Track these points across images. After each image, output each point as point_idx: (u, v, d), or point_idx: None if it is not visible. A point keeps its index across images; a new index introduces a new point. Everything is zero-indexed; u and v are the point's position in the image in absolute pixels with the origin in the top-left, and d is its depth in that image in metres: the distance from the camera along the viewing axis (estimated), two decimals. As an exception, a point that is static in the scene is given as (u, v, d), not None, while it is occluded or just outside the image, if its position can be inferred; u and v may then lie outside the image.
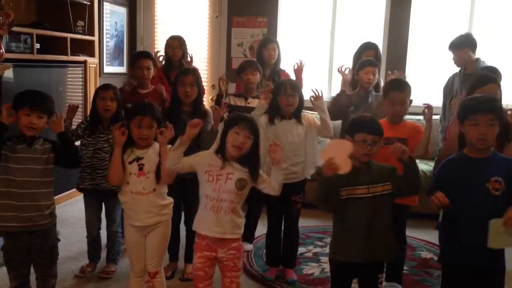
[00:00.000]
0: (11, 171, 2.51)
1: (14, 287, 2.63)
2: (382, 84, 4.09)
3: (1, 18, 3.66)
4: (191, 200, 2.93)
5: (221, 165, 2.44)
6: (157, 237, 2.70)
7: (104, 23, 5.74)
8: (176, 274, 3.42)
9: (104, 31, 5.75)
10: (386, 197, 2.39)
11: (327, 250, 3.90)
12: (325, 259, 3.73)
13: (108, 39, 5.88)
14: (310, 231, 4.35)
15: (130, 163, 2.64)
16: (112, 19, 5.94)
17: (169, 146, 2.72)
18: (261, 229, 3.85)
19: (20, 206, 2.51)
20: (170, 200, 2.75)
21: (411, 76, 5.68)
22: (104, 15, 5.73)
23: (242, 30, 6.01)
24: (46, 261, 2.66)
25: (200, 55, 6.09)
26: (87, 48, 5.17)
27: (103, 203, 3.43)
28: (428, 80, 5.65)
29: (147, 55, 3.87)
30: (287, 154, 3.21)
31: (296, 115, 3.25)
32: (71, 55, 4.87)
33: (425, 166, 4.79)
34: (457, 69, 4.47)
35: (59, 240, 2.77)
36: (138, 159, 2.63)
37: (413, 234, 4.28)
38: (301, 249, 3.75)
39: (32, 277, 2.71)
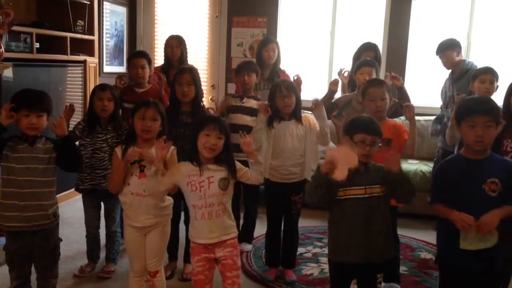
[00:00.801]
0: (13, 170, 2.50)
1: (15, 287, 2.63)
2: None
3: (1, 17, 3.66)
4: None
5: (199, 172, 2.44)
6: (157, 237, 2.70)
7: (104, 22, 5.74)
8: (175, 274, 3.42)
9: (104, 31, 5.75)
10: (383, 198, 2.39)
11: (326, 250, 3.86)
12: (324, 259, 3.73)
13: (108, 39, 5.88)
14: (310, 232, 4.35)
15: (132, 163, 2.63)
16: (112, 18, 5.94)
17: (172, 147, 2.72)
18: (260, 229, 3.85)
19: (23, 205, 2.51)
20: (170, 200, 2.75)
21: (411, 76, 5.70)
22: (104, 14, 5.73)
23: (242, 30, 6.01)
24: (48, 262, 2.66)
25: (200, 55, 6.10)
26: (87, 47, 5.16)
27: (102, 203, 3.42)
28: (428, 80, 5.65)
29: (142, 54, 3.88)
30: (287, 154, 3.22)
31: (295, 115, 3.24)
32: (70, 54, 4.87)
33: (424, 167, 4.80)
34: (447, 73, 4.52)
35: (61, 240, 2.76)
36: (139, 160, 2.62)
37: (412, 235, 4.28)
38: (300, 250, 3.75)
39: (33, 276, 2.71)
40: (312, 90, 5.73)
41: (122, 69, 6.16)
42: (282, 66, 4.47)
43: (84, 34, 5.10)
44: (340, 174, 2.25)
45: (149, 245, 2.70)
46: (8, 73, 3.99)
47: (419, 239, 4.25)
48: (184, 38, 4.33)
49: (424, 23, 5.65)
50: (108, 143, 3.23)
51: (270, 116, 3.25)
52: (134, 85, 3.83)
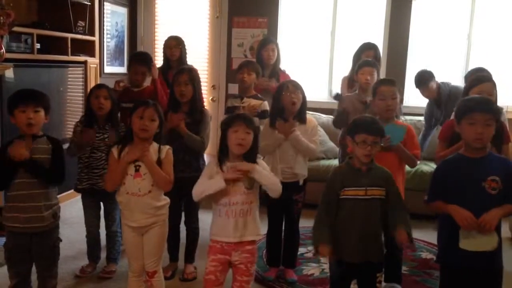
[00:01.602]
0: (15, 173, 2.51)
1: (14, 285, 2.63)
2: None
3: (1, 18, 3.67)
4: (190, 200, 2.93)
5: (226, 169, 2.44)
6: (153, 237, 2.69)
7: (105, 23, 5.74)
8: (176, 274, 3.42)
9: (105, 31, 5.76)
10: (382, 200, 2.40)
11: (327, 250, 3.90)
12: (325, 259, 3.73)
13: (109, 39, 5.88)
14: (311, 232, 4.32)
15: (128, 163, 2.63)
16: (113, 19, 5.95)
17: (168, 147, 2.73)
18: (262, 229, 3.84)
19: (22, 207, 2.51)
20: (166, 200, 2.74)
21: (411, 76, 5.69)
22: (105, 15, 5.74)
23: (243, 31, 6.02)
24: (47, 261, 2.66)
25: (200, 55, 6.11)
26: (87, 48, 5.17)
27: (101, 203, 3.43)
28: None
29: (143, 61, 3.83)
30: (289, 155, 3.21)
31: (300, 116, 3.22)
32: (71, 55, 4.88)
33: (425, 167, 4.80)
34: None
35: (61, 240, 2.76)
36: (135, 160, 2.61)
37: (413, 235, 4.25)
38: (301, 250, 3.74)
39: (33, 276, 2.71)
40: (313, 90, 5.79)
41: (122, 69, 6.17)
42: (283, 66, 4.48)
43: (85, 34, 5.10)
44: None
45: (147, 245, 2.70)
46: (9, 73, 3.99)
47: (420, 239, 4.25)
48: (185, 38, 4.34)
49: (425, 23, 5.66)
50: (106, 143, 3.24)
51: (273, 116, 3.25)
52: (130, 86, 3.84)
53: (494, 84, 3.17)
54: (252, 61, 3.99)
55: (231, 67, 5.94)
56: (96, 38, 5.25)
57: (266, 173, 2.46)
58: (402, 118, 5.10)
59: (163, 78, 4.21)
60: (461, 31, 5.58)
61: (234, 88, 5.71)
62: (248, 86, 3.73)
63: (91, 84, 5.05)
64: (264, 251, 3.69)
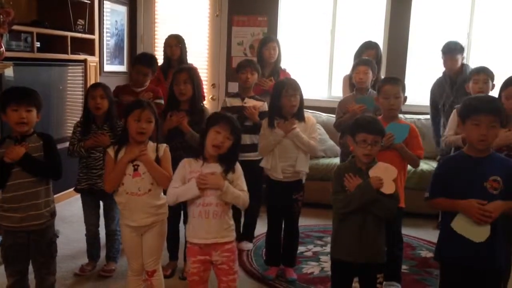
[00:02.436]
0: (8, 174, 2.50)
1: (11, 284, 2.63)
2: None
3: (1, 16, 3.66)
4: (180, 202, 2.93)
5: (201, 168, 2.44)
6: (153, 236, 2.69)
7: (105, 21, 5.73)
8: (175, 273, 3.42)
9: (104, 30, 5.75)
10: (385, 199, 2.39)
11: (327, 249, 3.91)
12: (325, 258, 3.74)
13: (109, 38, 5.88)
14: (310, 230, 4.35)
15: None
16: (113, 17, 5.94)
17: (165, 145, 2.73)
18: (261, 228, 3.85)
19: (18, 207, 2.51)
20: (165, 199, 2.71)
21: (411, 75, 5.70)
22: (105, 13, 5.73)
23: (243, 29, 6.01)
24: (44, 258, 2.65)
25: (200, 54, 6.10)
26: (87, 46, 5.16)
27: (100, 202, 3.43)
28: (428, 79, 5.64)
29: (148, 63, 3.84)
30: (288, 153, 3.21)
31: (298, 115, 3.23)
32: (71, 53, 4.87)
33: (425, 166, 4.79)
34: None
35: (58, 236, 2.76)
36: (132, 159, 2.61)
37: (413, 233, 4.28)
38: (301, 248, 3.75)
39: (31, 275, 2.70)
40: (313, 89, 5.79)
41: (122, 68, 6.17)
42: (283, 64, 4.47)
43: (85, 33, 5.10)
44: (389, 188, 2.36)
45: (146, 244, 2.69)
46: (9, 72, 3.99)
47: (420, 237, 4.25)
48: (185, 37, 4.34)
49: (425, 22, 5.65)
50: (103, 134, 3.23)
51: (272, 116, 3.25)
52: (131, 86, 3.84)
53: (490, 75, 3.21)
54: (252, 60, 3.98)
55: (231, 66, 5.93)
56: (96, 37, 5.24)
57: (232, 191, 2.42)
58: (402, 116, 5.13)
59: (163, 77, 4.22)
60: (461, 30, 5.58)
61: (234, 87, 5.71)
62: (250, 86, 3.73)
63: (91, 82, 5.04)
64: (264, 250, 3.69)
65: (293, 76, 4.06)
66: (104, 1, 5.68)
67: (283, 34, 5.94)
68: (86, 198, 3.40)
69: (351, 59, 4.31)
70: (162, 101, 3.72)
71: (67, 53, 4.82)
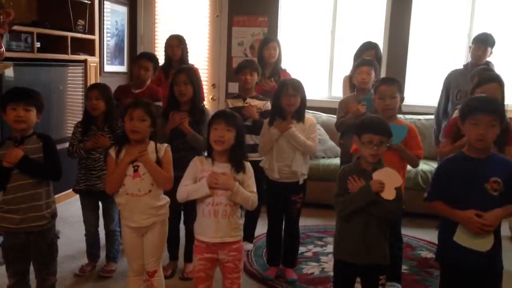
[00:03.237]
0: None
1: (12, 284, 2.63)
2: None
3: (1, 17, 3.66)
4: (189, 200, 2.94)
5: (211, 168, 2.45)
6: (154, 237, 2.68)
7: (105, 22, 5.74)
8: (176, 273, 3.42)
9: (105, 30, 5.75)
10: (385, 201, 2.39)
11: (327, 249, 3.91)
12: (325, 258, 3.74)
13: (109, 38, 5.88)
14: (310, 231, 4.35)
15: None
16: (113, 18, 5.94)
17: (166, 145, 2.72)
18: (261, 228, 3.85)
19: (18, 208, 2.51)
20: (166, 199, 2.73)
21: (411, 75, 5.70)
22: (105, 14, 5.73)
23: (243, 29, 6.01)
24: (45, 259, 2.65)
25: (200, 54, 6.11)
26: (87, 47, 5.17)
27: (99, 202, 3.43)
28: (428, 79, 5.66)
29: (149, 57, 3.89)
30: (286, 154, 3.21)
31: (298, 115, 3.23)
32: (71, 54, 4.87)
33: (425, 166, 4.79)
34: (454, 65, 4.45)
35: (58, 237, 2.76)
36: (133, 160, 2.60)
37: (413, 233, 4.28)
38: (301, 249, 3.74)
39: (32, 275, 2.71)
40: (313, 89, 5.78)
41: (122, 68, 6.18)
42: (283, 65, 4.47)
43: (85, 33, 5.10)
44: (389, 194, 2.34)
45: (147, 245, 2.69)
46: (9, 72, 3.99)
47: (420, 238, 4.25)
48: (185, 37, 4.34)
49: (425, 22, 5.65)
50: (103, 135, 3.23)
51: (273, 115, 3.25)
52: (131, 86, 3.84)
53: (501, 85, 3.17)
54: (252, 60, 3.98)
55: (231, 66, 5.93)
56: (96, 37, 5.24)
57: (242, 193, 2.43)
58: (402, 117, 5.13)
59: (164, 77, 4.22)
60: (461, 30, 5.58)
61: (234, 87, 5.72)
62: (251, 87, 3.73)
63: (91, 83, 5.04)
64: (264, 250, 3.69)
65: (293, 77, 4.06)
66: (104, 2, 5.68)
67: (283, 34, 5.94)
68: (85, 199, 3.39)
69: (351, 59, 4.31)
70: (161, 103, 3.72)
71: (67, 54, 4.82)
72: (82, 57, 5.05)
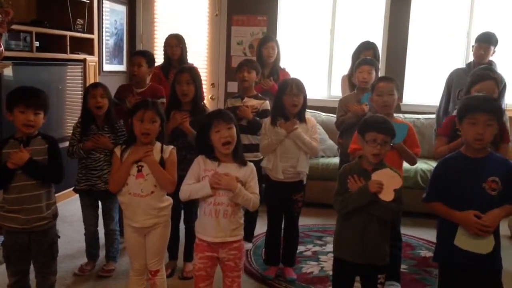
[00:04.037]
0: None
1: (13, 283, 2.63)
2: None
3: (0, 16, 3.65)
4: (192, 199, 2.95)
5: (216, 167, 2.44)
6: (156, 238, 2.68)
7: (104, 21, 5.73)
8: (175, 273, 3.42)
9: (104, 29, 5.74)
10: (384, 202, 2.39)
11: (326, 249, 3.91)
12: (324, 257, 3.74)
13: (108, 37, 5.87)
14: (310, 230, 4.35)
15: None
16: (112, 17, 5.93)
17: (171, 147, 2.72)
18: (261, 227, 3.85)
19: (21, 209, 2.51)
20: (169, 201, 2.72)
21: (410, 74, 5.70)
22: (104, 13, 5.72)
23: (242, 29, 6.01)
24: (46, 258, 2.65)
25: (199, 53, 6.10)
26: (86, 46, 5.16)
27: (99, 202, 3.43)
28: (427, 79, 5.66)
29: (141, 53, 3.93)
30: (288, 154, 3.21)
31: (300, 115, 3.22)
32: (70, 53, 4.87)
33: (424, 166, 4.80)
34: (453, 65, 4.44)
35: (59, 237, 2.75)
36: (137, 160, 2.60)
37: (412, 233, 4.28)
38: (300, 248, 3.75)
39: (32, 274, 2.71)
40: (312, 89, 5.78)
41: (122, 67, 6.17)
42: (282, 64, 4.47)
43: (84, 32, 5.10)
44: (387, 195, 2.33)
45: (149, 245, 2.69)
46: (8, 71, 3.98)
47: (419, 237, 4.26)
48: (184, 36, 4.34)
49: (424, 21, 5.65)
50: (104, 136, 3.23)
51: (274, 114, 3.24)
52: (133, 85, 3.84)
53: (496, 82, 3.17)
54: (251, 59, 3.98)
55: (230, 65, 5.93)
56: (95, 36, 5.24)
57: (244, 194, 2.42)
58: (401, 116, 5.13)
59: (164, 77, 4.22)
60: (460, 29, 5.58)
61: (233, 86, 5.72)
62: (249, 85, 3.73)
63: (90, 82, 5.04)
64: (264, 250, 3.69)
65: (292, 76, 4.06)
66: (104, 1, 5.68)
67: (282, 33, 5.94)
68: (85, 198, 3.39)
69: (350, 58, 4.31)
70: (164, 100, 3.72)
71: (66, 53, 4.81)
72: (81, 56, 5.05)
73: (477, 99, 2.39)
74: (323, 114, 5.57)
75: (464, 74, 4.23)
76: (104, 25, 5.73)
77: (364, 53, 4.11)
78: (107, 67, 5.84)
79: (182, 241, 3.45)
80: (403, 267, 3.45)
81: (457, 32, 5.60)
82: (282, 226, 3.42)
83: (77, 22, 5.04)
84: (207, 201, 2.44)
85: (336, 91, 5.51)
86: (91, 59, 5.20)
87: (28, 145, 2.51)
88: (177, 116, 3.19)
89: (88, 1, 5.08)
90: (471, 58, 5.31)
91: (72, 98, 4.96)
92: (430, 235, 4.19)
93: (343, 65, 4.60)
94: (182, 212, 3.40)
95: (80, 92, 5.00)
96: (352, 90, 3.98)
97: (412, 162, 3.05)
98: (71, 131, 3.35)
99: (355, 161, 2.51)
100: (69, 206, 4.50)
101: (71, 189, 3.48)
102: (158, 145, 2.66)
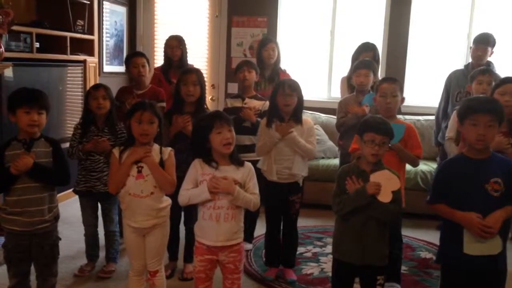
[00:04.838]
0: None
1: (13, 285, 2.62)
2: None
3: (1, 17, 3.66)
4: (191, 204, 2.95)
5: (213, 171, 2.43)
6: (156, 238, 2.68)
7: (104, 22, 5.73)
8: (175, 274, 3.42)
9: (104, 30, 5.74)
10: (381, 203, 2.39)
11: (326, 250, 3.90)
12: (324, 259, 3.74)
13: (108, 38, 5.87)
14: (310, 231, 4.35)
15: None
16: (112, 18, 5.94)
17: (170, 149, 2.72)
18: (261, 229, 3.84)
19: (22, 211, 2.50)
20: (168, 201, 2.72)
21: (410, 76, 5.70)
22: (104, 14, 5.73)
23: (242, 30, 6.01)
24: (47, 260, 2.65)
25: (200, 54, 6.10)
26: (86, 47, 5.16)
27: (99, 203, 3.42)
28: (427, 80, 5.66)
29: (140, 54, 3.94)
30: (285, 156, 3.20)
31: (295, 117, 3.22)
32: (70, 54, 4.87)
33: (424, 167, 4.80)
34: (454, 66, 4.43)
35: (60, 239, 2.75)
36: (137, 161, 2.60)
37: (412, 234, 4.28)
38: (300, 249, 3.75)
39: (32, 276, 2.70)
40: (312, 90, 5.79)
41: (122, 68, 6.12)
42: (282, 65, 4.47)
43: (84, 33, 5.10)
44: (385, 196, 2.33)
45: (149, 246, 2.69)
46: (8, 73, 3.99)
47: (420, 238, 4.25)
48: (184, 38, 4.34)
49: (424, 22, 5.65)
50: (104, 140, 3.22)
51: (270, 116, 3.24)
52: (133, 87, 3.84)
53: (494, 77, 3.18)
54: (249, 60, 3.99)
55: (230, 67, 5.93)
56: (95, 37, 5.24)
57: (243, 196, 2.41)
58: (402, 117, 5.13)
59: (164, 78, 4.22)
60: (461, 30, 5.58)
61: (233, 87, 5.72)
62: (249, 85, 3.73)
63: (90, 83, 5.04)
64: (263, 251, 3.68)
65: (293, 77, 4.06)
66: (104, 2, 5.68)
67: (282, 35, 5.95)
68: (84, 199, 3.39)
69: (350, 60, 4.31)
70: (164, 104, 3.72)
71: (67, 54, 4.81)
72: (81, 57, 5.05)
73: (478, 100, 2.39)
74: (323, 115, 5.57)
75: (463, 76, 4.24)
76: (104, 26, 5.73)
77: (364, 55, 4.11)
78: (107, 68, 5.84)
79: (182, 242, 3.45)
80: (403, 268, 3.45)
81: (458, 33, 5.59)
82: (281, 227, 3.42)
83: (77, 23, 5.04)
84: (207, 205, 2.43)
85: (336, 93, 5.50)
86: (91, 60, 5.20)
87: (32, 147, 2.50)
88: (179, 121, 3.19)
89: (89, 2, 5.09)
90: (471, 60, 5.32)
91: (72, 99, 4.96)
92: (431, 236, 4.19)
93: (343, 67, 4.60)
94: (182, 213, 3.40)
95: (81, 93, 5.00)
96: (351, 92, 3.98)
97: (414, 164, 3.05)
98: (72, 132, 3.35)
99: (353, 162, 2.51)
100: (69, 207, 4.49)
101: (71, 190, 3.48)
102: (156, 146, 2.66)
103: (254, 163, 3.38)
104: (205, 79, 5.96)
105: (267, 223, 3.43)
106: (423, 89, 5.67)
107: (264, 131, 3.23)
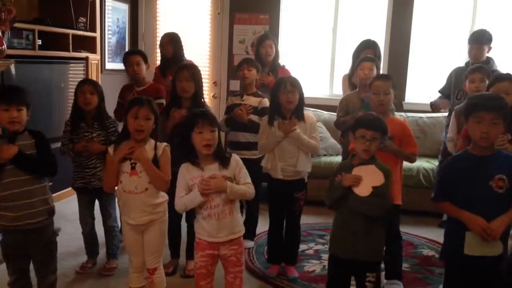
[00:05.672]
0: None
1: (13, 281, 2.63)
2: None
3: (3, 14, 3.66)
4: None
5: (200, 173, 2.42)
6: (153, 235, 2.68)
7: (106, 19, 5.73)
8: (177, 271, 3.42)
9: (106, 28, 5.74)
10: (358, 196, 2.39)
11: (328, 247, 3.90)
12: (326, 256, 3.72)
13: (110, 36, 5.87)
14: (312, 228, 4.35)
15: (123, 161, 2.60)
16: (114, 15, 5.93)
17: (165, 144, 2.71)
18: (263, 226, 3.85)
19: (12, 205, 2.49)
20: (164, 197, 2.71)
21: (413, 73, 5.69)
22: (106, 11, 5.72)
23: (244, 27, 6.00)
24: (43, 257, 2.64)
25: (202, 52, 6.10)
26: (88, 44, 5.16)
27: (96, 199, 3.42)
28: (430, 77, 5.64)
29: (136, 51, 3.93)
30: (289, 153, 3.20)
31: (297, 114, 3.22)
32: (72, 51, 4.87)
33: (427, 164, 4.79)
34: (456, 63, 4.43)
35: (57, 234, 2.74)
36: (124, 158, 2.59)
37: (414, 231, 4.28)
38: (302, 246, 3.75)
39: (32, 273, 2.71)
40: (314, 87, 5.78)
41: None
42: (284, 62, 4.46)
43: (86, 31, 5.10)
44: (363, 190, 2.34)
45: (147, 243, 2.69)
46: (10, 70, 3.99)
47: (421, 236, 4.25)
48: (186, 35, 4.35)
49: (427, 20, 5.64)
50: (95, 142, 3.22)
51: (271, 113, 3.24)
52: (133, 84, 3.85)
53: (485, 73, 3.20)
54: (250, 58, 3.99)
55: (232, 64, 5.92)
56: (97, 34, 5.24)
57: (237, 190, 2.41)
58: (404, 114, 5.12)
59: (162, 75, 4.23)
60: (463, 28, 5.56)
61: (235, 85, 5.71)
62: (249, 83, 3.73)
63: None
64: (265, 248, 3.69)
65: (294, 74, 4.06)
66: (106, -1, 5.68)
67: (284, 32, 5.94)
68: (81, 197, 3.39)
69: (351, 57, 4.30)
70: (164, 101, 3.72)
71: (69, 51, 4.81)
72: (83, 54, 5.05)
73: (483, 97, 2.39)
74: (325, 112, 5.57)
75: (463, 74, 4.24)
76: (106, 24, 5.73)
77: (365, 52, 4.11)
78: (109, 65, 5.84)
79: (184, 239, 3.45)
80: (405, 265, 3.45)
81: (460, 30, 5.58)
82: (284, 224, 3.42)
83: (80, 20, 5.04)
84: (203, 207, 2.43)
85: (338, 90, 5.50)
86: (93, 57, 5.20)
87: (15, 140, 2.48)
88: (176, 115, 3.20)
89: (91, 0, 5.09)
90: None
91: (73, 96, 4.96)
92: (432, 234, 4.19)
93: (345, 64, 4.58)
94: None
95: (82, 91, 5.00)
96: (352, 90, 3.98)
97: (409, 160, 3.05)
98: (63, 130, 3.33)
99: (349, 158, 2.52)
100: (70, 204, 4.49)
101: (71, 187, 3.48)
102: (151, 142, 2.65)
103: (250, 160, 3.37)
104: (207, 76, 6.05)
105: (270, 220, 3.43)
106: (425, 86, 5.66)
107: (266, 130, 3.22)
